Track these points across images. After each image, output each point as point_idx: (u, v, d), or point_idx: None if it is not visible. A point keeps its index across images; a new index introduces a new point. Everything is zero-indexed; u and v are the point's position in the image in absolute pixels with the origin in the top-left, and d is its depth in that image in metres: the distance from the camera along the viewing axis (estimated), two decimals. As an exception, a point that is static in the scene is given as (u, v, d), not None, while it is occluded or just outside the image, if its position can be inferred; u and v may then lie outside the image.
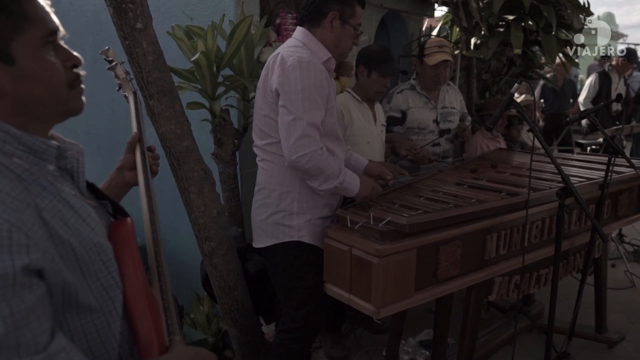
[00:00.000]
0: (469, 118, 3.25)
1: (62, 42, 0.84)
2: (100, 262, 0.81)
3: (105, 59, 1.25)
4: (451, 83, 3.10)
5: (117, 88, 1.28)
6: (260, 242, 1.99)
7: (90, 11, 3.31)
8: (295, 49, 1.83)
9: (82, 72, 0.86)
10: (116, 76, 1.27)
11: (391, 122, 2.83)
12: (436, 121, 2.92)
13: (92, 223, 0.82)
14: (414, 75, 2.97)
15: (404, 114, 2.87)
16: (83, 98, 0.87)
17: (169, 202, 2.82)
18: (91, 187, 0.93)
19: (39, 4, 0.79)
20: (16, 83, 0.76)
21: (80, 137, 3.51)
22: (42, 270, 0.70)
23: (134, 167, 1.14)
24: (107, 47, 1.25)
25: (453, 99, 3.03)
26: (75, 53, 0.85)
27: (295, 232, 1.90)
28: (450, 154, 3.08)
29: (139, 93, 1.34)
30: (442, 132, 2.94)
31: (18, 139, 0.77)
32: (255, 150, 1.99)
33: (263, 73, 1.89)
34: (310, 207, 1.92)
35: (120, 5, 1.69)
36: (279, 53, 1.82)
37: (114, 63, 1.26)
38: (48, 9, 0.81)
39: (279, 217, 1.91)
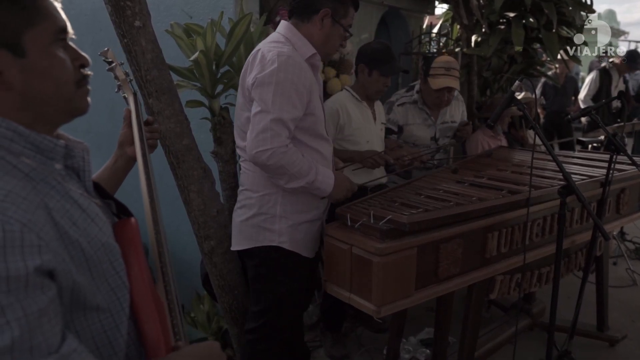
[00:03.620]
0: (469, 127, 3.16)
1: (70, 42, 0.84)
2: (108, 262, 0.81)
3: (104, 60, 1.24)
4: (456, 92, 2.94)
5: (116, 90, 1.27)
6: (237, 244, 1.91)
7: (89, 9, 3.31)
8: (276, 44, 1.76)
9: (89, 73, 0.86)
10: (116, 77, 1.27)
11: (387, 132, 2.78)
12: (434, 138, 2.87)
13: (99, 223, 0.82)
14: (417, 88, 2.86)
15: (400, 128, 2.82)
16: (89, 98, 0.87)
17: (168, 200, 2.81)
18: (96, 186, 0.93)
19: (50, 1, 0.80)
20: (25, 77, 0.76)
21: (80, 136, 3.48)
22: (53, 271, 0.70)
23: (133, 142, 1.16)
24: (106, 49, 1.24)
25: (455, 111, 2.93)
26: (83, 53, 0.85)
27: (276, 237, 1.83)
28: (444, 162, 3.03)
29: (139, 94, 1.34)
30: (439, 148, 2.89)
31: (26, 137, 0.77)
32: (238, 151, 1.94)
33: (242, 70, 1.83)
34: (294, 211, 1.84)
35: (118, 2, 1.68)
36: (259, 49, 1.76)
37: (113, 64, 1.26)
38: (59, 8, 0.82)
39: (261, 219, 1.84)
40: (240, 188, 1.92)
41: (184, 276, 2.98)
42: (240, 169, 2.51)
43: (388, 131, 2.79)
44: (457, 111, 2.96)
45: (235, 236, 1.92)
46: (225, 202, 2.34)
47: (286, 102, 1.67)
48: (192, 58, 2.08)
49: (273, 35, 1.84)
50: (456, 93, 3.00)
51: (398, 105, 2.85)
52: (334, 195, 1.82)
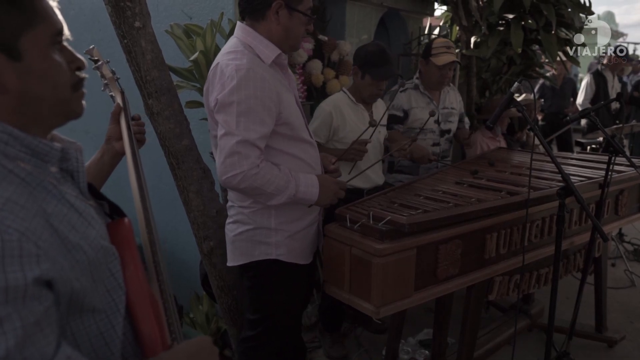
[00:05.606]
0: (467, 119, 3.24)
1: (66, 44, 0.83)
2: (105, 265, 0.80)
3: (90, 59, 1.24)
4: (451, 84, 3.09)
5: (102, 88, 1.27)
6: (233, 260, 1.82)
7: (89, 9, 3.30)
8: (234, 55, 1.60)
9: (85, 76, 0.85)
10: (102, 76, 1.27)
11: (392, 120, 2.81)
12: (437, 121, 2.90)
13: (96, 225, 0.81)
14: (417, 74, 2.94)
15: (406, 113, 2.85)
16: (84, 102, 0.86)
17: (167, 201, 2.82)
18: (89, 186, 0.92)
19: (48, 2, 0.79)
20: (21, 80, 0.74)
21: (79, 136, 3.50)
22: (52, 280, 0.69)
23: (120, 137, 1.19)
24: (91, 47, 1.24)
25: (453, 99, 3.02)
26: (79, 56, 0.84)
27: (272, 250, 1.76)
28: (449, 154, 3.07)
29: (132, 93, 1.34)
30: (442, 133, 2.93)
31: (21, 141, 0.75)
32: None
33: (205, 87, 1.72)
34: (289, 221, 1.76)
35: (118, 3, 1.68)
36: (217, 63, 1.62)
37: (99, 62, 1.26)
38: (56, 9, 0.81)
39: (256, 233, 1.75)
40: (230, 203, 1.83)
41: (182, 277, 2.98)
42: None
43: (394, 119, 2.79)
44: (455, 99, 3.04)
45: (230, 251, 1.83)
46: (225, 202, 2.34)
47: (251, 120, 1.56)
48: (191, 58, 2.08)
49: (231, 43, 1.68)
50: (452, 85, 3.10)
51: (401, 91, 2.89)
52: (320, 201, 1.72)
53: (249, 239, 1.76)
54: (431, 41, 2.91)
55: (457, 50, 3.80)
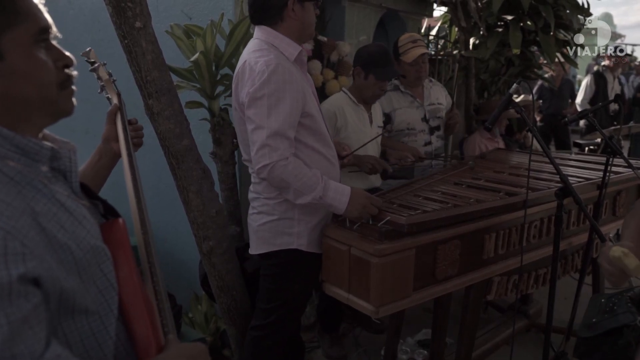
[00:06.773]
0: (456, 111, 3.20)
1: (54, 42, 0.82)
2: (96, 265, 0.79)
3: (87, 61, 1.23)
4: (433, 79, 3.03)
5: (99, 90, 1.26)
6: (255, 248, 1.93)
7: (89, 9, 3.31)
8: (260, 52, 1.71)
9: (74, 73, 0.84)
10: (99, 78, 1.26)
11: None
12: (425, 119, 2.86)
13: (87, 225, 0.80)
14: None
15: (388, 116, 2.81)
16: (73, 99, 0.85)
17: (167, 201, 2.82)
18: (83, 186, 0.91)
19: (31, 0, 0.78)
20: (4, 80, 0.74)
21: (80, 136, 3.50)
22: (39, 278, 0.69)
23: (117, 138, 1.16)
24: (88, 49, 1.23)
25: (438, 94, 2.96)
26: (67, 53, 0.83)
27: (294, 240, 1.85)
28: (442, 152, 3.04)
29: (135, 94, 1.34)
30: (432, 130, 2.88)
31: (10, 140, 0.75)
32: (245, 163, 1.95)
33: (234, 85, 1.80)
34: (310, 212, 1.84)
35: (119, 4, 1.68)
36: (245, 60, 1.72)
37: (96, 64, 1.25)
38: (41, 6, 0.79)
39: (279, 224, 1.85)
40: (254, 196, 1.92)
41: (182, 276, 2.98)
42: (239, 170, 2.53)
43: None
44: (440, 94, 2.99)
45: (253, 241, 1.93)
46: (224, 202, 2.34)
47: (281, 111, 1.65)
48: (192, 59, 2.08)
49: (254, 43, 1.78)
50: (434, 80, 3.04)
51: None
52: (347, 213, 1.74)
53: (272, 229, 1.85)
54: (396, 40, 2.83)
55: (455, 52, 3.82)
